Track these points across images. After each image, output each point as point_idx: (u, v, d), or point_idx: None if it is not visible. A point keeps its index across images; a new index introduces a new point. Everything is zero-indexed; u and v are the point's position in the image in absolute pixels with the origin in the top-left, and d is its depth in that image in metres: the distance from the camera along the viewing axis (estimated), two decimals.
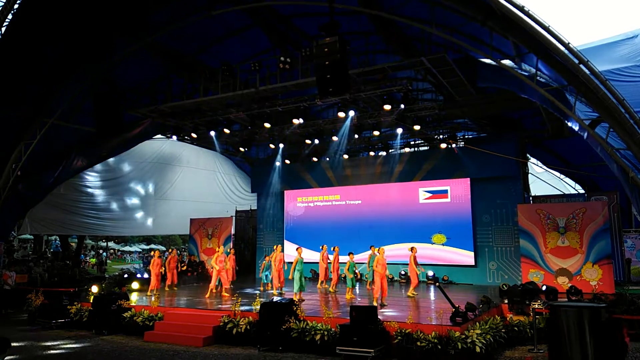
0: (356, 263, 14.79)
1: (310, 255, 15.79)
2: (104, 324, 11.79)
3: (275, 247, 15.39)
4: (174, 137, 18.29)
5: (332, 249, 15.81)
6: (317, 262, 16.45)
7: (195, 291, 16.27)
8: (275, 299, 11.14)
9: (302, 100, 15.14)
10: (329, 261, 16.10)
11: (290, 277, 13.67)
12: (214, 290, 14.69)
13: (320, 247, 15.80)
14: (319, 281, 16.31)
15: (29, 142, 15.26)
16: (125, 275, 17.20)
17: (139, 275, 17.11)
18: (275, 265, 14.46)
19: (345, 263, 14.46)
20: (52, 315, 12.70)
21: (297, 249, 14.01)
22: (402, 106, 14.39)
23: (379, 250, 12.97)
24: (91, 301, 12.57)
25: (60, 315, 12.69)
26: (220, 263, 14.78)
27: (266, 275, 15.90)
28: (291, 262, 14.04)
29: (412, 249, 14.83)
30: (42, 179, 16.69)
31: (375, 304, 11.94)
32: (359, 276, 18.34)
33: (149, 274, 15.85)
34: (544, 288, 12.32)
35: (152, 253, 17.54)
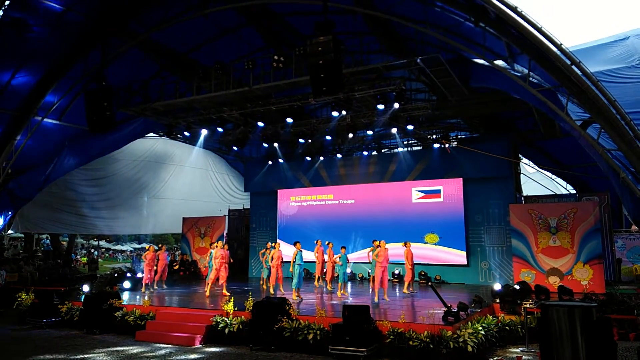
0: (355, 263, 14.79)
1: (304, 254, 15.74)
2: (95, 323, 11.72)
3: (274, 243, 15.28)
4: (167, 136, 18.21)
5: (326, 243, 15.74)
6: (312, 261, 16.45)
7: (188, 290, 16.21)
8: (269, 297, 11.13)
9: (295, 99, 15.13)
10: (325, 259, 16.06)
11: (291, 270, 13.61)
12: (213, 288, 14.60)
13: (315, 242, 15.72)
14: (316, 278, 16.26)
15: (19, 139, 15.13)
16: (116, 275, 17.12)
17: (138, 275, 17.05)
18: (272, 263, 14.40)
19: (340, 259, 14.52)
20: (43, 314, 12.60)
21: (295, 243, 13.98)
22: (396, 106, 14.41)
23: (380, 243, 13.01)
24: (82, 300, 12.50)
25: (51, 314, 12.61)
26: (221, 258, 14.56)
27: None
28: (288, 262, 14.04)
29: (405, 243, 14.90)
30: (33, 178, 16.55)
31: (376, 299, 12.02)
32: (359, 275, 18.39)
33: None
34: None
35: (146, 247, 17.39)
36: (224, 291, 14.20)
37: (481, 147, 17.02)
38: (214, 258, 14.62)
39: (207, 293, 14.32)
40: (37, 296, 13.36)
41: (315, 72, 10.75)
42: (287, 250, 16.75)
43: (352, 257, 18.32)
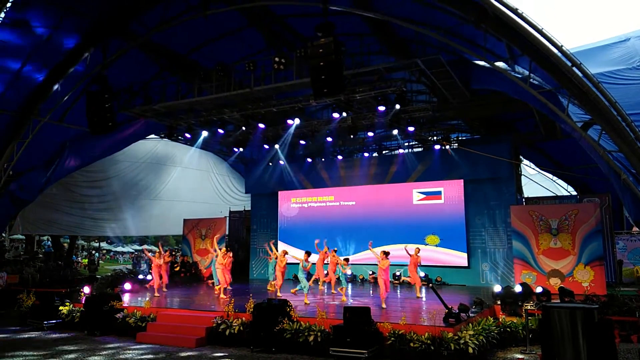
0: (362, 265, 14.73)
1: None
2: (96, 325, 11.72)
3: (282, 252, 15.23)
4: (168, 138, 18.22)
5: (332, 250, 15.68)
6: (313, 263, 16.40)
7: (188, 292, 16.21)
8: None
9: (296, 101, 15.14)
10: (326, 262, 16.01)
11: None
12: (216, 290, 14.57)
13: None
14: (320, 282, 16.18)
15: (21, 141, 15.15)
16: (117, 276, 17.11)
17: (139, 277, 17.00)
18: (279, 268, 14.44)
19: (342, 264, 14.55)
20: (44, 316, 12.61)
21: (306, 253, 14.01)
22: (397, 107, 14.42)
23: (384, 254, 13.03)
24: (83, 302, 12.50)
25: (52, 316, 12.62)
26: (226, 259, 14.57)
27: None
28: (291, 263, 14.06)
29: (416, 249, 14.91)
30: (34, 179, 16.56)
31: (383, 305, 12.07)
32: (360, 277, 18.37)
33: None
34: (539, 290, 12.41)
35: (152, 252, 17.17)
36: (222, 295, 14.23)
37: (482, 148, 17.02)
38: (217, 263, 14.62)
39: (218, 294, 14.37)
40: (38, 298, 13.35)
41: (316, 74, 10.77)
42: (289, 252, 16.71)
43: (353, 258, 18.32)
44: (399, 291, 16.20)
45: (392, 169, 19.75)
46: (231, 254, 15.21)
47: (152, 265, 15.60)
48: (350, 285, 17.76)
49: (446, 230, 18.55)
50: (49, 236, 28.64)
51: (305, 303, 12.69)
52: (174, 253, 21.02)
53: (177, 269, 19.96)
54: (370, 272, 18.66)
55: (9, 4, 11.80)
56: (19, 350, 9.95)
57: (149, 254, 16.89)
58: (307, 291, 13.42)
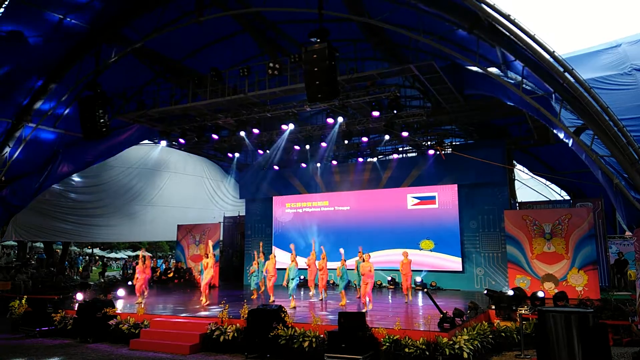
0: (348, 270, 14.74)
1: (299, 262, 15.72)
2: (89, 332, 11.62)
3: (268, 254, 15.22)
4: (162, 143, 18.17)
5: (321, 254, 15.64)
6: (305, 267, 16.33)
7: (182, 298, 16.11)
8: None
9: (291, 106, 15.16)
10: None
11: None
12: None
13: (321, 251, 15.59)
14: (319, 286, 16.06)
15: (14, 147, 15.04)
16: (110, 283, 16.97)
17: (129, 283, 16.83)
18: (271, 271, 14.44)
19: (336, 269, 14.52)
20: (36, 323, 12.50)
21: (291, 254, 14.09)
22: (393, 112, 14.47)
23: (365, 256, 13.04)
24: (76, 309, 12.40)
25: (45, 323, 12.50)
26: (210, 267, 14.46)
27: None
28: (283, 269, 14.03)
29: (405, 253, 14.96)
30: (27, 185, 16.43)
31: (370, 307, 12.09)
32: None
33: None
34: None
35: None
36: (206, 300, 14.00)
37: (476, 153, 17.09)
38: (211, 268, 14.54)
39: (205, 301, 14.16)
40: (31, 305, 13.23)
41: (310, 79, 10.78)
42: (283, 257, 16.69)
43: (348, 263, 18.25)
44: (390, 296, 16.17)
45: (387, 173, 19.80)
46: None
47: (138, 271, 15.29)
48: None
49: (440, 235, 18.58)
50: (41, 242, 28.41)
51: (291, 307, 12.75)
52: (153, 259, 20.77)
53: (171, 275, 19.86)
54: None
55: (6, 2, 11.65)
56: (9, 358, 9.84)
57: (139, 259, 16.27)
58: (293, 292, 13.53)
